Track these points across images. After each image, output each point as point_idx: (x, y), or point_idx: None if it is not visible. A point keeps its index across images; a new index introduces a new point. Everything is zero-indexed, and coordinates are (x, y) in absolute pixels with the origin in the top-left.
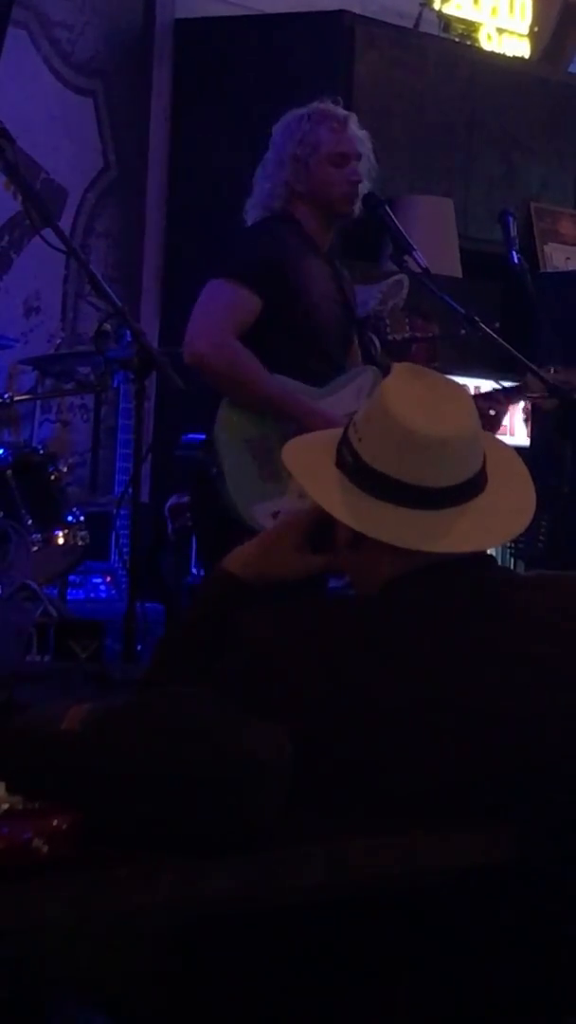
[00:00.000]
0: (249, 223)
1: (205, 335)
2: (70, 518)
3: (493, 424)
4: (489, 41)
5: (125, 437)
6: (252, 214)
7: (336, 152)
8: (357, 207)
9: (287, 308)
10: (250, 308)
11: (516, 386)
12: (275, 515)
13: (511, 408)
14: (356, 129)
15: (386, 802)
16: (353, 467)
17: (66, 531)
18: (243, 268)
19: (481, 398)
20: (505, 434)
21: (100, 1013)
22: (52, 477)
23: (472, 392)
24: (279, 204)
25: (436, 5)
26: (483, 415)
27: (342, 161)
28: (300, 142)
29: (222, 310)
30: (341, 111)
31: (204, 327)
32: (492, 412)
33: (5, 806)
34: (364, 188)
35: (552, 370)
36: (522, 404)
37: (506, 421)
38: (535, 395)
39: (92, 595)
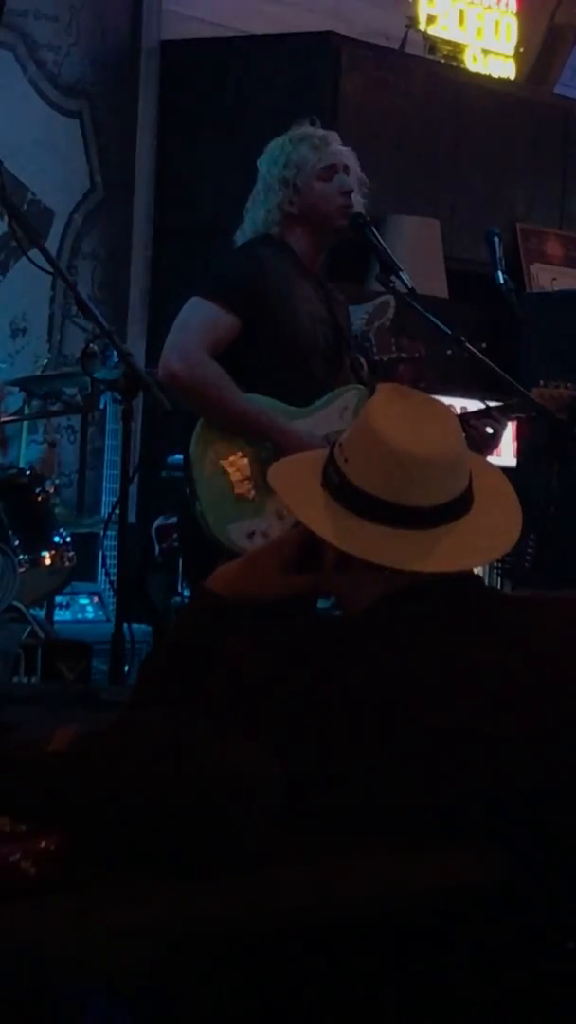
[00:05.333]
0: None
1: (178, 352)
2: (57, 539)
3: (492, 442)
4: (475, 62)
5: (112, 458)
6: (241, 240)
7: (322, 167)
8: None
9: (268, 329)
10: (227, 327)
11: (509, 404)
12: (252, 535)
13: (508, 424)
14: (339, 145)
15: (373, 823)
16: (339, 487)
17: (53, 552)
18: (222, 287)
19: (476, 416)
20: (493, 454)
21: (111, 999)
22: (39, 498)
23: (469, 410)
24: (275, 229)
25: (422, 26)
26: (481, 434)
27: (329, 174)
28: (285, 165)
29: (198, 328)
30: (320, 130)
31: (178, 344)
32: (490, 430)
33: None
34: (357, 201)
35: (541, 383)
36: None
37: (506, 435)
38: (523, 415)
39: (79, 616)
